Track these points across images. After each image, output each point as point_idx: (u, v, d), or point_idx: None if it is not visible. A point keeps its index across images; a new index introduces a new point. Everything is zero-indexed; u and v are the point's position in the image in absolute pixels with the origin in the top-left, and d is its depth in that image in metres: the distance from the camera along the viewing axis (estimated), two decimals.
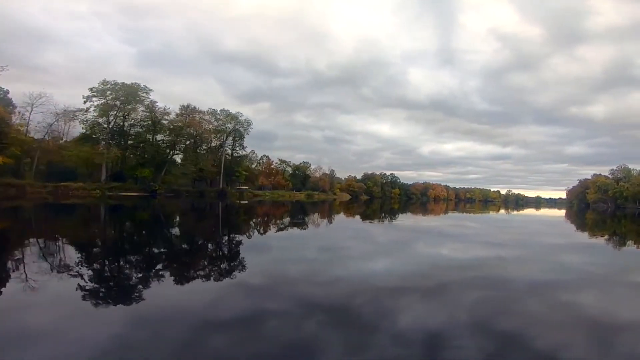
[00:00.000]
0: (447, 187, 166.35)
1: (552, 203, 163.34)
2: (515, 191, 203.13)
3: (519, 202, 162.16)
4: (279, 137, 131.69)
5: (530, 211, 45.39)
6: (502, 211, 42.19)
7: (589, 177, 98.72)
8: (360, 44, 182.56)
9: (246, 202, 36.00)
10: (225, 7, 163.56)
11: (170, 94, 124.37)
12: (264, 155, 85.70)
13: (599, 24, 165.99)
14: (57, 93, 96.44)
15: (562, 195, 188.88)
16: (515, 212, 38.96)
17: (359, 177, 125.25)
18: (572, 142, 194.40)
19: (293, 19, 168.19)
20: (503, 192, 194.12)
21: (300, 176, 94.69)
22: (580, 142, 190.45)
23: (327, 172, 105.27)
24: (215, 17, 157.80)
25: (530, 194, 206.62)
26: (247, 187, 66.67)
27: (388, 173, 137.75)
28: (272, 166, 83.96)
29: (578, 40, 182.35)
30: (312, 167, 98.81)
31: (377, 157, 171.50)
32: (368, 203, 58.08)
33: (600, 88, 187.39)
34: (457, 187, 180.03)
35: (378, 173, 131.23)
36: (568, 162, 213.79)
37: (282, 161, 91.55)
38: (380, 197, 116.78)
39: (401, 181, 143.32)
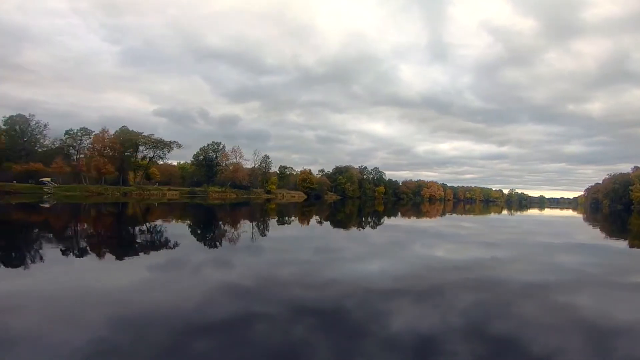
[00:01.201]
0: (444, 185, 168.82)
1: (554, 203, 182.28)
2: (519, 190, 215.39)
3: (522, 202, 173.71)
4: (271, 137, 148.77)
5: (540, 213, 45.77)
6: (505, 212, 44.50)
7: (628, 172, 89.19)
8: (346, 38, 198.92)
9: None
10: (204, 2, 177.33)
11: (159, 93, 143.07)
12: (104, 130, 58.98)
13: (595, 16, 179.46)
14: (43, 94, 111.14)
15: (565, 194, 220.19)
16: (522, 214, 40.88)
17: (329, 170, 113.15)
18: (569, 140, 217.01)
19: (275, 13, 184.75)
20: (505, 191, 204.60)
21: (203, 164, 72.75)
22: (577, 140, 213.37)
23: (255, 159, 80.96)
24: (195, 13, 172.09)
25: (532, 193, 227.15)
26: (48, 179, 49.87)
27: (371, 168, 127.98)
28: (105, 142, 57.63)
29: (573, 34, 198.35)
30: (228, 150, 74.27)
31: (372, 157, 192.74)
32: (335, 205, 46.75)
33: (596, 84, 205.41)
34: (456, 186, 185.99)
35: (356, 166, 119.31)
36: (566, 162, 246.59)
37: (144, 137, 62.31)
38: (359, 197, 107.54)
39: (387, 178, 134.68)
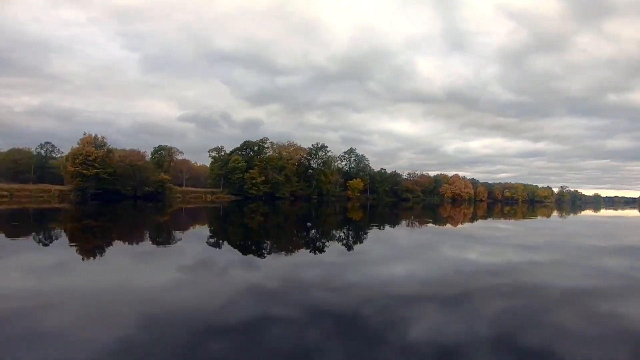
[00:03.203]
0: (474, 182, 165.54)
1: (609, 203, 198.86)
2: (571, 188, 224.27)
3: (576, 203, 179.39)
4: (296, 139, 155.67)
5: (620, 215, 45.16)
6: (557, 214, 45.00)
7: None
8: (355, 32, 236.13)
9: None
10: (210, 5, 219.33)
11: (184, 98, 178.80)
12: None
13: None
14: (81, 103, 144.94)
15: (618, 193, 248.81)
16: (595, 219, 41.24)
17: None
18: (613, 135, 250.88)
19: (279, 10, 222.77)
20: (555, 189, 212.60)
21: None
22: (623, 134, 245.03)
23: None
24: (203, 17, 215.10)
25: (584, 192, 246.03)
26: None
27: (341, 151, 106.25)
28: None
29: (605, 14, 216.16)
30: None
31: (399, 158, 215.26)
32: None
33: None
34: (490, 182, 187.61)
35: (306, 146, 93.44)
36: (610, 158, 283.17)
37: None
38: (308, 198, 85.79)
39: (377, 169, 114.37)
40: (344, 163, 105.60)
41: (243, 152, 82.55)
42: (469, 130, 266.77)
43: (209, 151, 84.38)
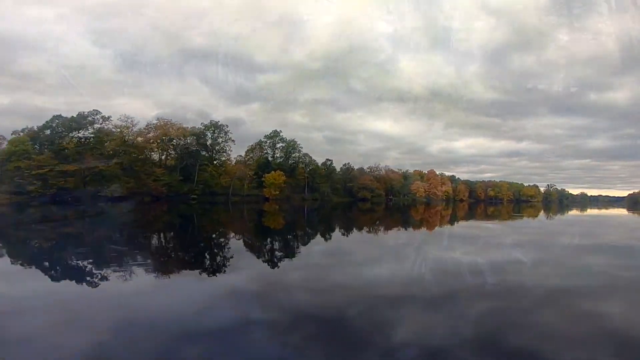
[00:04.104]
0: (454, 179, 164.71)
1: (594, 202, 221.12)
2: (559, 186, 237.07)
3: (564, 202, 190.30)
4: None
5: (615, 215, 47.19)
6: (544, 216, 44.46)
7: None
8: (334, 27, 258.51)
9: None
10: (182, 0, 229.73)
11: (160, 97, 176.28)
12: None
13: None
14: (53, 102, 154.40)
15: (602, 192, 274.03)
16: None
17: None
18: (593, 134, 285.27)
19: (254, 5, 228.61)
20: (542, 187, 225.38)
21: None
22: (603, 134, 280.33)
23: None
24: (175, 12, 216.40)
25: (572, 191, 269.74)
26: None
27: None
28: None
29: (584, 9, 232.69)
30: None
31: (385, 158, 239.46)
32: None
33: (621, 68, 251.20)
34: (472, 180, 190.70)
35: (188, 126, 77.43)
36: (590, 158, 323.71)
37: None
38: (190, 197, 71.60)
39: (321, 161, 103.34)
40: (264, 152, 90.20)
41: (47, 132, 61.74)
42: (453, 129, 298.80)
43: (12, 133, 61.95)
